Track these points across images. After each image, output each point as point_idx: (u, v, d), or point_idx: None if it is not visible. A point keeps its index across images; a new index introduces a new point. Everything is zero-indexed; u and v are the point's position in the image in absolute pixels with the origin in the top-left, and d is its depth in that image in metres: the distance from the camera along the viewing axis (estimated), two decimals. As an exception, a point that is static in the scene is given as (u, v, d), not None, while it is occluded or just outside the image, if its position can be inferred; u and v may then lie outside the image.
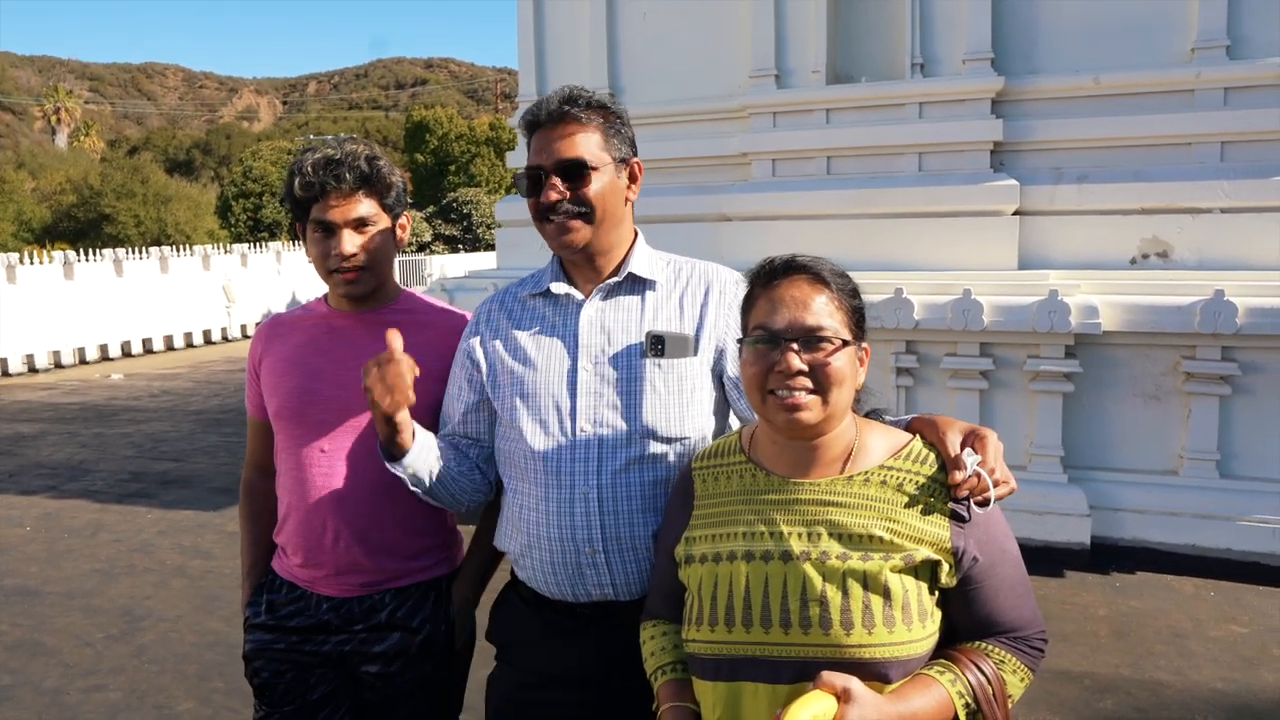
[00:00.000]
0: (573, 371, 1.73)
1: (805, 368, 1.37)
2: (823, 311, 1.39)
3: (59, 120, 70.35)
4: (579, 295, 1.78)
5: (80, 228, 34.99)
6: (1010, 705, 1.38)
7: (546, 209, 1.70)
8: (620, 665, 1.67)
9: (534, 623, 1.79)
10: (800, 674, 1.32)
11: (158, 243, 28.15)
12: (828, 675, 1.25)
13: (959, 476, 1.37)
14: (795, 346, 1.37)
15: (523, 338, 1.79)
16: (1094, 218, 5.45)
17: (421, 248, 25.17)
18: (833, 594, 1.33)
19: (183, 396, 11.38)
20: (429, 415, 1.93)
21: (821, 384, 1.37)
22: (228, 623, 4.49)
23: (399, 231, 2.02)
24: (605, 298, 1.77)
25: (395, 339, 1.68)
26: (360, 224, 1.90)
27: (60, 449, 8.54)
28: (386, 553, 1.96)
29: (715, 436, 1.79)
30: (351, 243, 1.89)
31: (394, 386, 1.65)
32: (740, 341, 1.47)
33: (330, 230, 1.89)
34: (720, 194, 6.18)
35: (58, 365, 14.35)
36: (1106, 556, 4.95)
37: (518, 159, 7.06)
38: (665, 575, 1.56)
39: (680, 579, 1.50)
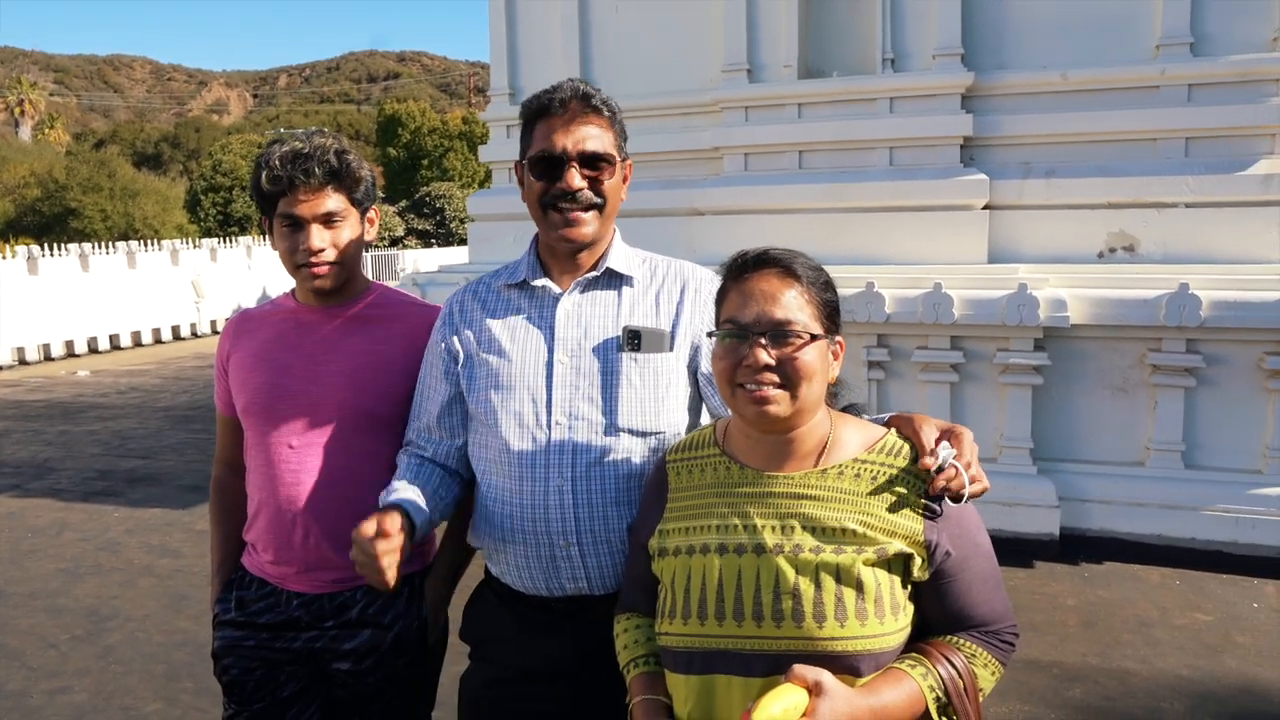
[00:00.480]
0: (549, 364, 1.72)
1: (773, 362, 1.36)
2: (792, 305, 1.39)
3: (22, 113, 69.05)
4: (556, 288, 1.77)
5: (45, 222, 34.36)
6: (981, 698, 1.39)
7: (560, 196, 1.69)
8: (595, 659, 1.67)
9: (508, 618, 1.78)
10: (773, 667, 1.32)
11: (125, 237, 27.73)
12: (799, 668, 1.25)
13: (929, 463, 1.37)
14: (764, 341, 1.37)
15: (497, 329, 1.78)
16: (1062, 212, 5.50)
17: (394, 242, 24.99)
18: (805, 587, 1.33)
19: (151, 393, 11.23)
20: (396, 407, 1.93)
21: (790, 378, 1.37)
22: (196, 622, 4.44)
23: (367, 225, 2.00)
24: (583, 291, 1.77)
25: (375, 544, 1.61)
26: (328, 219, 1.88)
27: (24, 447, 8.40)
28: None
29: (689, 432, 1.78)
30: (320, 238, 1.87)
31: (382, 569, 1.60)
32: (711, 334, 1.47)
33: (298, 225, 1.88)
34: (692, 188, 6.17)
35: (22, 362, 14.11)
36: (1075, 547, 5.02)
37: (491, 153, 7.03)
38: (639, 568, 1.56)
39: (654, 572, 1.50)
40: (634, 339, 1.71)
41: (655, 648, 1.51)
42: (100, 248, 16.29)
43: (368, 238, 2.01)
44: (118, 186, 35.09)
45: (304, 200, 1.86)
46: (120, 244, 16.75)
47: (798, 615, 1.32)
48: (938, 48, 5.64)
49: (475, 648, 1.88)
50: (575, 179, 1.68)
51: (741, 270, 1.44)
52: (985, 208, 5.58)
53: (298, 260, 1.90)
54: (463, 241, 23.95)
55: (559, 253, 1.77)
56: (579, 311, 1.75)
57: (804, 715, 1.21)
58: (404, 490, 1.74)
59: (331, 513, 1.90)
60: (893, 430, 1.47)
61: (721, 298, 1.47)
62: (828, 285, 1.45)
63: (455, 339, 1.83)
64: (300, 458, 1.91)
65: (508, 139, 6.92)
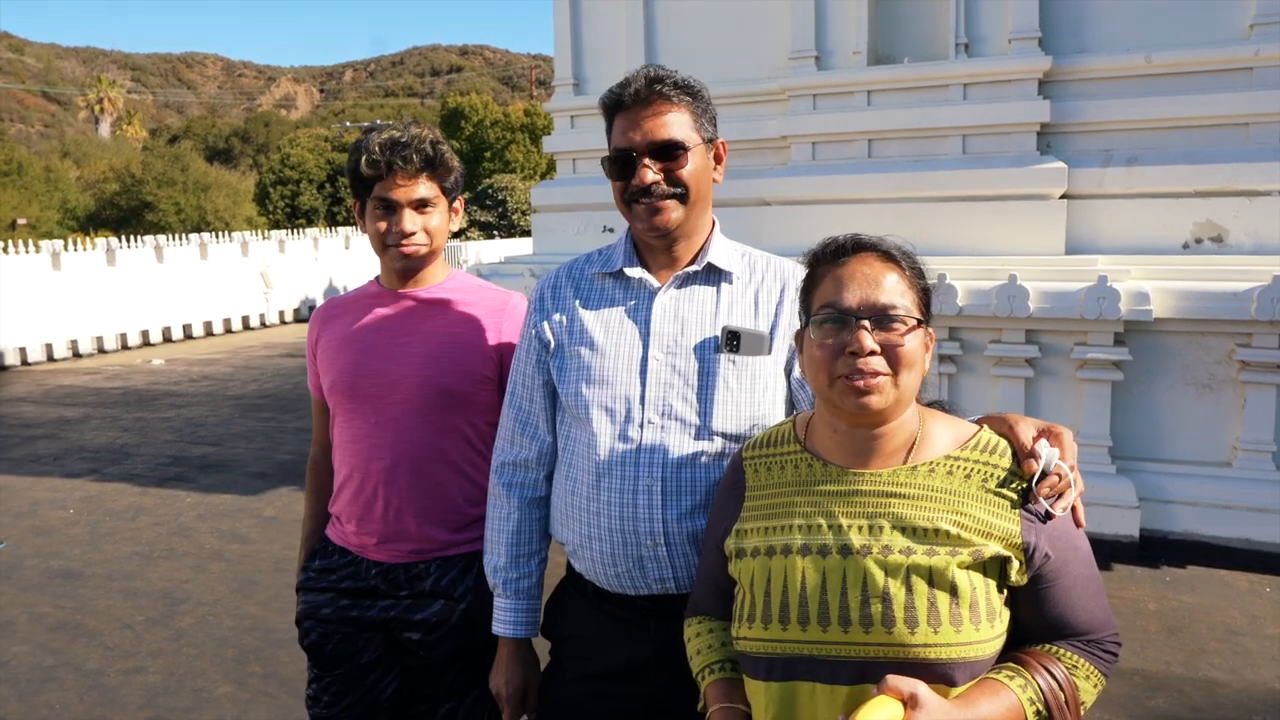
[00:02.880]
0: (644, 360, 1.68)
1: (878, 348, 1.29)
2: (895, 290, 1.32)
3: (102, 110, 71.48)
4: (654, 281, 1.72)
5: (123, 215, 35.54)
6: (1082, 711, 1.30)
7: (638, 191, 1.65)
8: (676, 657, 1.63)
9: (592, 616, 1.75)
10: (860, 675, 1.26)
11: (197, 229, 28.50)
12: (894, 679, 1.18)
13: (1034, 466, 1.29)
14: (867, 325, 1.29)
15: (590, 319, 1.74)
16: (1145, 201, 5.28)
17: (457, 234, 25.27)
18: (896, 590, 1.25)
19: (221, 382, 11.51)
20: (473, 385, 2.00)
21: (894, 365, 1.29)
22: (265, 607, 4.51)
23: (453, 215, 2.09)
24: (680, 286, 1.72)
25: None
26: (421, 204, 1.98)
27: (103, 433, 8.66)
28: (435, 522, 2.01)
29: None
30: (412, 221, 1.97)
31: None
32: (804, 322, 1.39)
33: (392, 208, 1.97)
34: (759, 178, 6.09)
35: (101, 350, 14.59)
36: (1156, 550, 4.82)
37: (555, 144, 7.01)
38: (713, 569, 1.49)
39: (730, 573, 1.43)
40: (733, 340, 1.65)
41: (730, 653, 1.45)
42: (174, 240, 16.73)
43: (452, 227, 2.10)
44: (190, 180, 36.12)
45: (400, 185, 1.95)
46: (193, 236, 17.16)
47: (888, 620, 1.25)
48: (1014, 31, 5.44)
49: (556, 645, 1.85)
50: (647, 175, 1.64)
51: (837, 254, 1.37)
52: (1063, 197, 5.38)
53: (389, 240, 1.98)
54: (525, 233, 24.08)
55: (653, 245, 1.73)
56: (676, 307, 1.70)
57: None
58: (522, 608, 1.85)
59: (411, 486, 1.99)
60: (985, 427, 1.39)
61: (811, 285, 1.39)
62: (922, 272, 1.38)
63: (546, 325, 1.79)
64: (382, 433, 2.00)
65: (572, 129, 6.90)
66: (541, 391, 1.80)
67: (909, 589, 1.25)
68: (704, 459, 1.64)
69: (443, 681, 2.04)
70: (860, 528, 1.31)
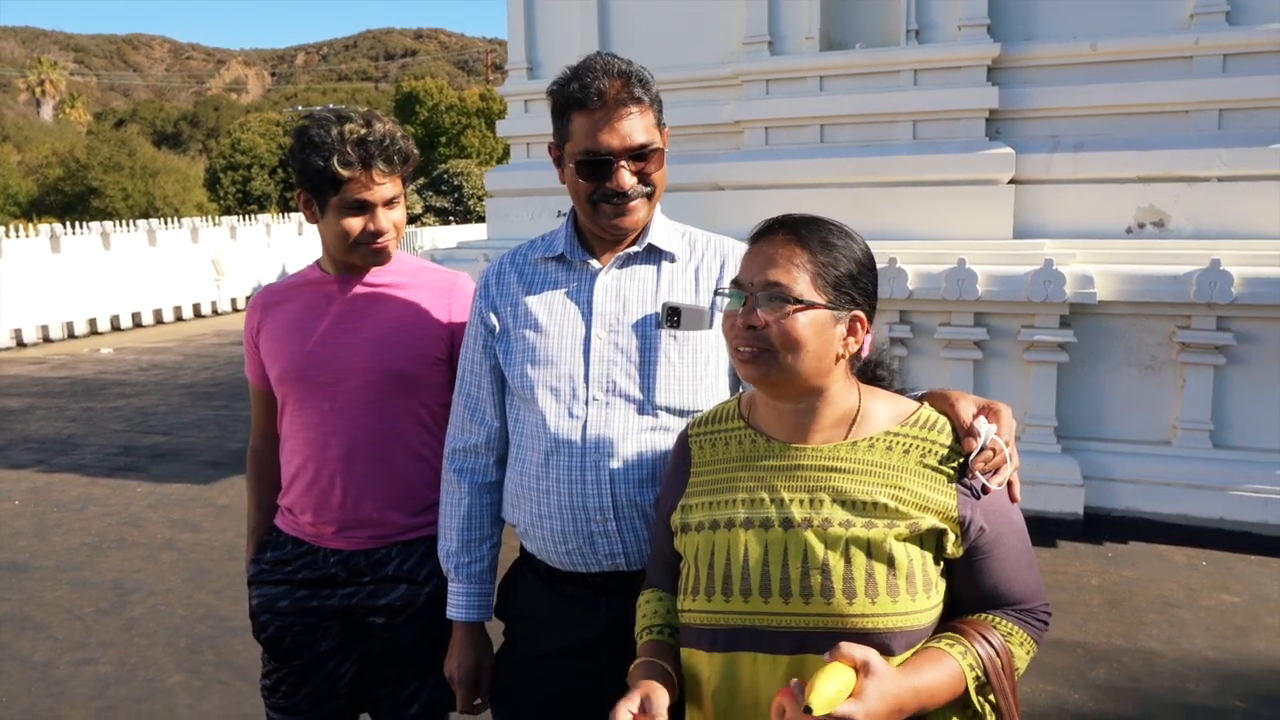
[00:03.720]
0: (586, 339, 1.70)
1: (758, 324, 1.32)
2: (789, 269, 1.33)
3: (43, 92, 69.44)
4: (595, 264, 1.74)
5: (67, 201, 34.61)
6: (1016, 677, 1.35)
7: (613, 194, 1.66)
8: (630, 634, 1.65)
9: (545, 596, 1.77)
10: (800, 645, 1.29)
11: (146, 216, 27.86)
12: (847, 647, 1.20)
13: (974, 444, 1.33)
14: (754, 300, 1.33)
15: (534, 303, 1.76)
16: (1090, 186, 5.40)
17: (412, 220, 24.99)
18: (835, 562, 1.29)
19: (172, 370, 11.31)
20: (425, 368, 1.99)
21: (773, 343, 1.32)
22: (218, 596, 4.47)
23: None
24: (621, 267, 1.74)
25: None
26: (391, 202, 1.96)
27: (49, 423, 8.47)
28: (394, 507, 2.00)
29: None
30: (386, 220, 1.94)
31: None
32: (717, 292, 1.46)
33: (365, 208, 1.92)
34: (713, 163, 6.11)
35: (46, 339, 14.23)
36: (1099, 527, 4.96)
37: (509, 128, 6.97)
38: (661, 544, 1.52)
39: (676, 548, 1.46)
40: (673, 316, 1.67)
41: (671, 620, 1.48)
42: (121, 226, 16.34)
43: None
44: (138, 165, 35.27)
45: (375, 185, 1.90)
46: (141, 222, 16.79)
47: (827, 591, 1.28)
48: (963, 18, 5.52)
49: (509, 625, 1.87)
50: (626, 178, 1.64)
51: (757, 233, 1.40)
52: (1011, 182, 5.48)
53: (361, 240, 1.94)
54: (481, 219, 23.91)
55: (606, 239, 1.74)
56: (618, 286, 1.73)
57: (850, 696, 1.17)
58: (474, 592, 1.85)
59: (367, 472, 1.97)
60: (925, 404, 1.43)
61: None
62: (845, 257, 1.36)
63: (492, 312, 1.81)
64: (336, 420, 1.98)
65: (525, 114, 6.87)
66: (489, 377, 1.82)
67: (848, 561, 1.28)
68: (649, 434, 1.67)
69: (407, 662, 2.04)
70: (801, 501, 1.34)
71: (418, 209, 25.48)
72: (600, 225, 1.70)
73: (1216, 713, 3.31)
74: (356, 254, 1.97)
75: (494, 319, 1.80)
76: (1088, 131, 5.46)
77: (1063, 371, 5.10)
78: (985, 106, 5.50)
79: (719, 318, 1.70)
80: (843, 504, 1.32)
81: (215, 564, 4.89)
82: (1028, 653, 1.38)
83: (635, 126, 1.64)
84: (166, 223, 17.32)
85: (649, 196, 1.69)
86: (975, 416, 1.37)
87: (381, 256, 1.98)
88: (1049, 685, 3.46)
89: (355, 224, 1.92)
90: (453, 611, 1.87)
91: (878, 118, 5.77)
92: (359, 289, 2.03)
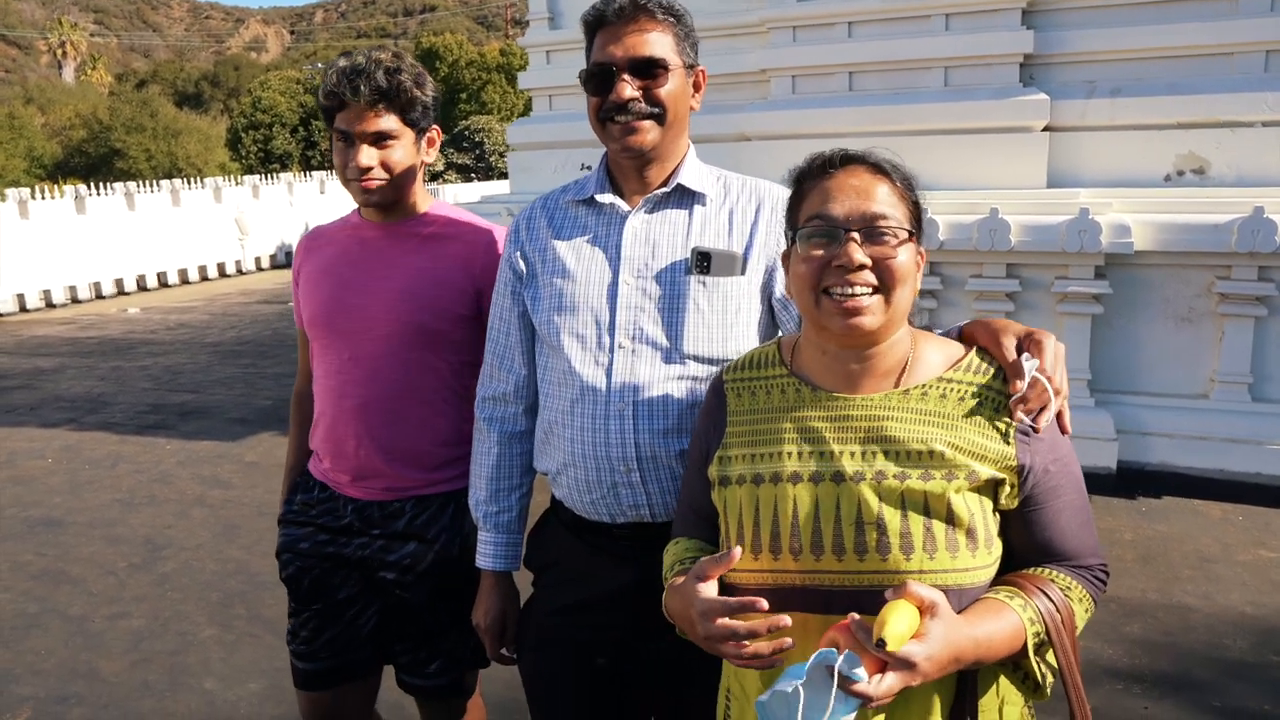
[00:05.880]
0: (613, 284, 1.65)
1: (869, 261, 1.23)
2: (886, 201, 1.25)
3: (65, 54, 69.53)
4: (624, 205, 1.69)
5: (92, 163, 34.77)
6: (1075, 634, 1.29)
7: (614, 108, 1.61)
8: (658, 587, 1.61)
9: (573, 545, 1.75)
10: (854, 604, 1.20)
11: (169, 176, 27.96)
12: (914, 585, 1.14)
13: (1020, 386, 1.26)
14: (857, 237, 1.23)
15: (562, 248, 1.71)
16: (1128, 133, 5.23)
17: (434, 177, 24.89)
18: (891, 516, 1.21)
19: (199, 329, 11.39)
20: (449, 323, 1.95)
21: (885, 281, 1.23)
22: (248, 551, 4.51)
23: (426, 146, 2.00)
24: (652, 209, 1.68)
25: None
26: (379, 138, 1.89)
27: (79, 382, 8.57)
28: (407, 461, 1.98)
29: None
30: (368, 156, 1.88)
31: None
32: (790, 237, 1.33)
33: (349, 141, 1.89)
34: (738, 113, 5.99)
35: (74, 300, 14.38)
36: (1133, 481, 4.88)
37: (530, 80, 6.86)
38: (695, 494, 1.45)
39: (713, 501, 1.39)
40: (703, 261, 1.61)
41: (695, 556, 1.42)
42: (145, 186, 16.39)
43: (426, 159, 2.02)
44: (160, 126, 35.32)
45: (354, 118, 1.87)
46: (164, 183, 16.83)
47: (883, 547, 1.21)
48: (998, -41, 5.33)
49: (538, 575, 1.85)
50: (626, 90, 1.59)
51: (825, 168, 1.30)
52: (1045, 129, 5.32)
53: (349, 175, 1.91)
54: (503, 175, 23.78)
55: (625, 169, 1.69)
56: (647, 230, 1.67)
57: (914, 636, 1.12)
58: (502, 541, 1.84)
59: (383, 424, 1.95)
60: (975, 347, 1.35)
61: (798, 200, 1.33)
62: (913, 185, 1.31)
63: (519, 257, 1.77)
64: (356, 369, 1.96)
65: (548, 65, 6.75)
66: (517, 324, 1.78)
67: (904, 515, 1.22)
68: (676, 382, 1.62)
69: (421, 622, 2.03)
70: (853, 454, 1.26)
71: (439, 166, 25.37)
72: (612, 149, 1.66)
73: (1254, 667, 3.26)
74: (350, 190, 1.94)
75: (522, 264, 1.76)
76: (1126, 76, 5.28)
77: (1097, 323, 5.00)
78: (1019, 51, 5.33)
79: (753, 264, 1.65)
80: (897, 456, 1.25)
81: (245, 520, 4.93)
82: (1086, 610, 1.31)
83: (645, 41, 1.59)
84: (189, 183, 17.34)
85: (658, 119, 1.61)
86: (1019, 351, 1.30)
87: (371, 196, 1.91)
88: (1083, 640, 3.40)
89: (340, 157, 1.91)
90: (481, 560, 1.85)
91: (908, 64, 5.61)
92: (389, 237, 1.99)
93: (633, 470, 1.62)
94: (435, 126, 2.02)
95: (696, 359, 1.62)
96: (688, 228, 1.66)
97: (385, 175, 1.90)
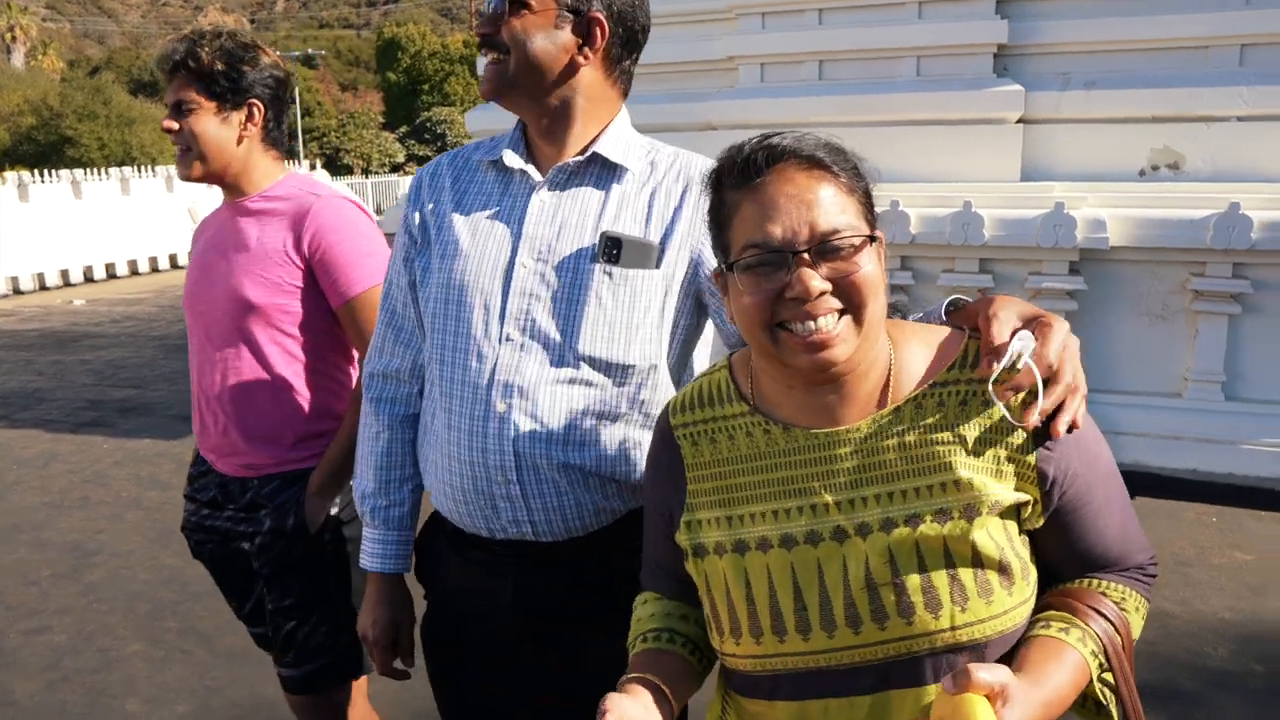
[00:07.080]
0: (510, 266, 1.41)
1: (828, 286, 1.00)
2: (833, 205, 1.02)
3: (14, 39, 67.62)
4: (536, 175, 1.45)
5: (41, 150, 33.75)
6: (1132, 652, 1.09)
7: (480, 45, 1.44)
8: (537, 604, 1.46)
9: (452, 557, 1.55)
10: (883, 679, 1.02)
11: (122, 165, 27.17)
12: (978, 675, 0.90)
13: (994, 367, 1.02)
14: (808, 259, 1.00)
15: (460, 215, 1.48)
16: (1102, 126, 5.14)
17: (395, 169, 24.49)
18: (908, 572, 1.01)
19: (146, 322, 10.99)
20: (280, 295, 1.93)
21: (852, 300, 1.01)
22: (182, 558, 4.21)
23: (247, 123, 1.99)
24: (564, 183, 1.44)
25: None
26: (177, 107, 1.94)
27: (14, 377, 8.18)
28: (266, 440, 2.00)
29: (674, 369, 1.47)
30: (168, 122, 1.95)
31: None
32: (722, 264, 1.08)
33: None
34: (705, 101, 5.82)
35: (16, 291, 13.84)
36: (1106, 482, 4.78)
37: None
38: (660, 551, 1.22)
39: (689, 571, 1.15)
40: (612, 248, 1.37)
41: (669, 623, 1.20)
42: (93, 174, 15.84)
43: (246, 135, 1.99)
44: (114, 114, 34.43)
45: (168, 90, 1.95)
46: (113, 170, 16.28)
47: (905, 609, 1.00)
48: (972, -54, 5.20)
49: (427, 588, 1.65)
50: (475, 21, 1.49)
51: (747, 173, 1.04)
52: (1019, 121, 5.21)
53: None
54: (465, 169, 23.47)
55: (530, 127, 1.50)
56: (556, 206, 1.43)
57: None
58: (393, 539, 1.62)
59: (234, 402, 1.99)
60: (969, 336, 1.10)
61: (724, 216, 1.08)
62: (857, 169, 1.07)
63: (417, 217, 1.53)
64: (210, 350, 2.01)
65: (507, 51, 6.54)
66: (413, 293, 1.54)
67: (922, 567, 1.01)
68: (565, 387, 1.39)
69: (275, 596, 2.02)
70: (851, 501, 1.05)
71: (400, 157, 24.97)
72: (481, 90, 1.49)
73: (1236, 676, 3.15)
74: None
75: (418, 229, 1.53)
76: (1101, 68, 5.18)
77: (1071, 320, 4.85)
78: (993, 41, 5.22)
79: (671, 254, 1.41)
80: (904, 495, 1.03)
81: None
82: (1142, 618, 1.11)
83: None
84: (140, 171, 16.79)
85: (501, 65, 1.40)
86: (1015, 333, 1.06)
87: (180, 168, 1.99)
88: (1060, 650, 3.30)
89: None
90: (366, 560, 1.62)
91: (879, 53, 5.47)
92: (234, 216, 2.03)
93: (511, 482, 1.40)
94: (255, 101, 1.97)
95: (592, 362, 1.39)
96: (601, 208, 1.42)
97: (187, 146, 1.95)
